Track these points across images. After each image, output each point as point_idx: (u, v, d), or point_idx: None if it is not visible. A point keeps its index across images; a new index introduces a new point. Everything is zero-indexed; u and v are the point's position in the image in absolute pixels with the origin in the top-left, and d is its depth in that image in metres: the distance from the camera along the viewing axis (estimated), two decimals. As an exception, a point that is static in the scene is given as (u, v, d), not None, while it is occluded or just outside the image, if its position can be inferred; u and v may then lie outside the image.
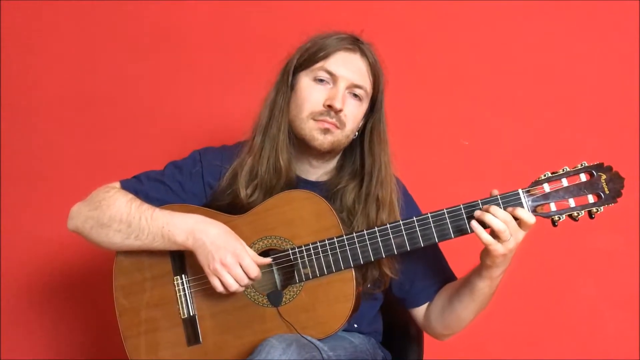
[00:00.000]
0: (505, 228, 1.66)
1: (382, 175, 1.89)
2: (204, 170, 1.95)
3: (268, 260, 1.79)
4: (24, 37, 2.76)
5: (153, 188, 1.93)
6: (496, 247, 1.68)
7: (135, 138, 2.71)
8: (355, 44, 1.89)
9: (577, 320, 2.55)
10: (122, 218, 1.83)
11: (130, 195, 1.88)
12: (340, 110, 1.84)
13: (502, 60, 2.57)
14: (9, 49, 2.76)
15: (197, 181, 1.94)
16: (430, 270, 1.92)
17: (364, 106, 1.90)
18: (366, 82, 1.89)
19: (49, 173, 2.75)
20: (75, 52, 2.75)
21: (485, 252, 1.72)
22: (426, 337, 2.07)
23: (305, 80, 1.88)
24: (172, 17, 2.71)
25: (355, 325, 1.88)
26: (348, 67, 1.87)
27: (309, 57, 1.88)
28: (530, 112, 2.55)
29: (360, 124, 1.92)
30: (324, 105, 1.84)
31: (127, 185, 1.93)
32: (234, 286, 1.75)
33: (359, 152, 1.94)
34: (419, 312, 1.96)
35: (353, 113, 1.87)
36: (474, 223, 1.69)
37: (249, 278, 1.75)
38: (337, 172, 1.95)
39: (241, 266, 1.74)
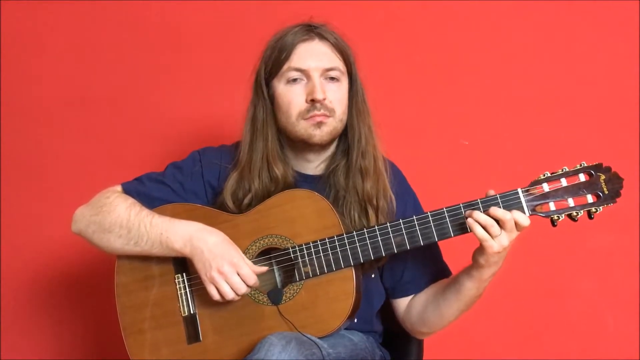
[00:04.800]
0: (493, 223, 1.67)
1: (362, 145, 1.90)
2: (203, 169, 1.96)
3: (264, 269, 1.80)
4: (24, 37, 2.76)
5: (155, 189, 1.94)
6: (491, 243, 1.68)
7: (135, 138, 2.71)
8: (309, 31, 1.89)
9: (577, 320, 2.54)
10: (122, 224, 1.84)
11: (131, 200, 1.89)
12: (324, 99, 1.84)
13: (502, 60, 2.57)
14: (9, 49, 2.76)
15: (198, 180, 1.96)
16: (423, 261, 1.91)
17: (344, 85, 1.90)
18: (335, 61, 1.88)
19: (49, 173, 2.75)
20: (75, 52, 2.75)
21: (479, 251, 1.73)
22: (426, 338, 2.06)
23: (280, 87, 1.89)
24: (172, 18, 2.71)
25: (355, 320, 1.87)
26: (312, 56, 1.87)
27: (274, 63, 1.89)
28: (530, 113, 2.54)
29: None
30: (307, 102, 1.85)
31: (128, 188, 1.94)
32: (230, 294, 1.76)
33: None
34: (402, 303, 1.96)
35: (337, 96, 1.87)
36: (469, 220, 1.69)
37: (247, 286, 1.76)
38: (332, 157, 1.95)
39: (239, 275, 1.75)
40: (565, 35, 2.54)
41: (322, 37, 1.89)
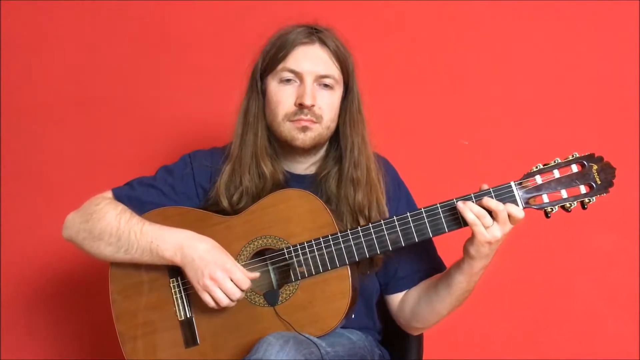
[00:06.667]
0: (485, 214, 1.67)
1: (354, 156, 1.89)
2: (194, 171, 1.96)
3: (256, 274, 1.79)
4: (24, 37, 2.77)
5: (145, 193, 1.94)
6: (481, 229, 1.68)
7: (135, 139, 2.72)
8: (311, 35, 1.88)
9: (577, 320, 2.54)
10: (112, 232, 1.83)
11: (121, 207, 1.88)
12: (312, 106, 1.84)
13: (501, 60, 2.57)
14: (9, 49, 2.77)
15: (189, 183, 1.95)
16: (417, 257, 1.91)
17: (337, 93, 1.89)
18: (332, 69, 1.88)
19: (49, 174, 2.75)
20: (75, 52, 2.75)
21: (470, 240, 1.72)
22: (426, 337, 2.06)
23: (272, 84, 1.89)
24: (172, 18, 2.72)
25: (353, 316, 1.86)
26: (309, 60, 1.86)
27: (271, 59, 1.89)
28: (526, 109, 2.55)
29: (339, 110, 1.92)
30: (295, 105, 1.85)
31: (119, 193, 1.94)
32: (225, 301, 1.75)
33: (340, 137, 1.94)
34: (395, 299, 1.95)
35: (327, 103, 1.86)
36: (459, 204, 1.69)
37: (241, 291, 1.76)
38: (324, 161, 1.95)
39: (232, 280, 1.75)
40: (562, 34, 2.54)
41: (322, 43, 1.88)
